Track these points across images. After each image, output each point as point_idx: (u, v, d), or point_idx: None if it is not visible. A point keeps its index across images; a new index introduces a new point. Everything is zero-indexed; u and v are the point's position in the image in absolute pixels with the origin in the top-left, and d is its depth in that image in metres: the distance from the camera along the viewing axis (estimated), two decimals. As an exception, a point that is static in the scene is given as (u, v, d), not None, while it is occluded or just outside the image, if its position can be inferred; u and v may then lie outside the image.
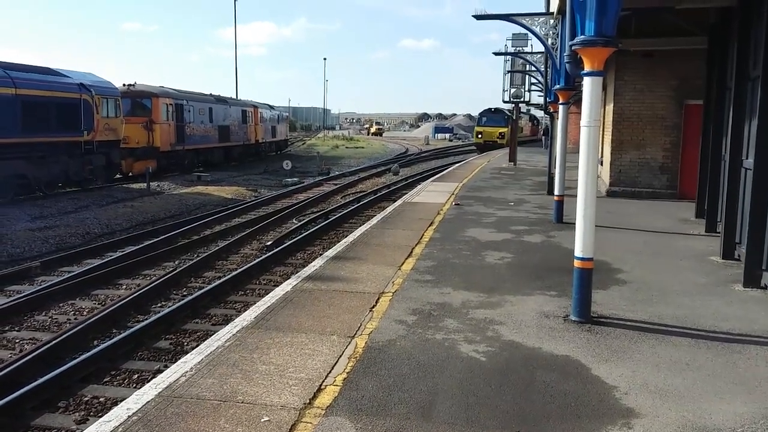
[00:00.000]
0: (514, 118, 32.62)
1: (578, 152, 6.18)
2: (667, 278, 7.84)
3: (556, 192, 12.45)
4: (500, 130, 48.02)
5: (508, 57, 33.58)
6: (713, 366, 5.02)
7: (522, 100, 37.19)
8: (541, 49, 16.97)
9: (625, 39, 12.83)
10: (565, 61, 10.38)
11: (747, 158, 8.35)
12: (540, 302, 6.73)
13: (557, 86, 11.90)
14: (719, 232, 9.64)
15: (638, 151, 15.78)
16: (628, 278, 7.81)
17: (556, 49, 12.77)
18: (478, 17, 15.26)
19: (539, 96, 39.73)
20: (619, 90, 15.76)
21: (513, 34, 29.82)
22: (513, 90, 36.02)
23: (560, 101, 12.05)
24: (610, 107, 16.58)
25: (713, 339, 5.65)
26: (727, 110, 9.61)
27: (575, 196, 6.25)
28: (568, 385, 4.62)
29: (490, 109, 50.52)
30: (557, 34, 12.81)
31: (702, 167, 12.11)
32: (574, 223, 6.19)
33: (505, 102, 38.90)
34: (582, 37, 5.79)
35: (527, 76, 35.20)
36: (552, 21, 13.07)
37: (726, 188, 8.93)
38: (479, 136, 49.27)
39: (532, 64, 24.70)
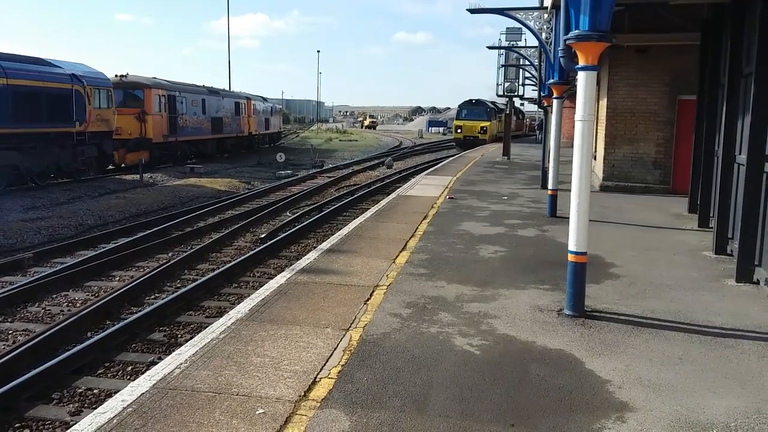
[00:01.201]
0: (507, 112, 32.65)
1: (572, 147, 6.20)
2: (660, 273, 7.88)
3: (549, 186, 12.49)
4: (482, 124, 43.42)
5: (502, 51, 33.61)
6: (706, 360, 5.06)
7: (516, 94, 37.22)
8: (535, 43, 16.99)
9: (618, 34, 12.83)
10: (560, 55, 10.38)
11: (740, 154, 8.39)
12: (534, 296, 6.76)
13: (551, 80, 11.91)
14: (712, 228, 9.69)
15: (631, 146, 15.83)
16: (622, 272, 7.85)
17: (550, 44, 12.78)
18: (473, 11, 15.28)
19: (533, 90, 39.66)
20: (613, 85, 15.80)
21: (507, 28, 29.93)
22: (507, 84, 36.09)
23: (554, 95, 12.06)
24: (603, 102, 16.62)
25: (706, 333, 5.69)
26: (721, 106, 9.65)
27: (569, 190, 6.27)
28: (562, 378, 4.65)
29: (471, 100, 45.10)
30: (551, 28, 12.82)
31: (695, 162, 12.17)
32: (568, 218, 6.21)
33: (499, 96, 38.92)
34: (576, 31, 5.79)
35: (521, 70, 35.26)
36: (546, 15, 13.08)
37: (719, 184, 8.96)
38: (458, 131, 44.35)
39: (526, 58, 24.74)
